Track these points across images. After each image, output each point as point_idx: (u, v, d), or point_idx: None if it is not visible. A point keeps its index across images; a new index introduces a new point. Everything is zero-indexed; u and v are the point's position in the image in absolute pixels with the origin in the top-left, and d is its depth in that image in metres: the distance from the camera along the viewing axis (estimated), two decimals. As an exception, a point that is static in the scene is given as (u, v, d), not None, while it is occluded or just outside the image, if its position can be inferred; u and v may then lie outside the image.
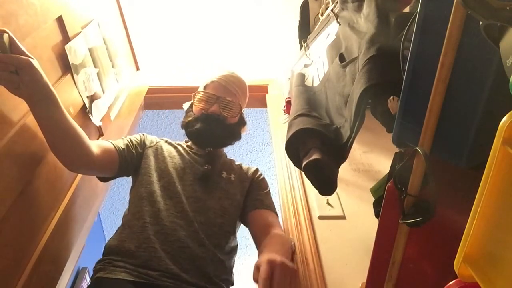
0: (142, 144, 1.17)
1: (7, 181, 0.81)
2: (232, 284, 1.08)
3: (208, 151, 1.18)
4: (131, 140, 1.14)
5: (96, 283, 0.93)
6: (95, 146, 0.99)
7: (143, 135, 1.21)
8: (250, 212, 1.13)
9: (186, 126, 1.20)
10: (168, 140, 1.23)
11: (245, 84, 1.26)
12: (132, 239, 0.98)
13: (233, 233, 1.11)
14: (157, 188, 1.06)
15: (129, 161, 1.09)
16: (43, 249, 0.94)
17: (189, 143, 1.24)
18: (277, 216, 1.14)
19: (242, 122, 1.26)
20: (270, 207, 1.14)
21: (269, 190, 1.21)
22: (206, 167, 1.13)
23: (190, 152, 1.19)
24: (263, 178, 1.24)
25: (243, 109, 1.25)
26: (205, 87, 1.22)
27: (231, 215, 1.10)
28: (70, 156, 0.94)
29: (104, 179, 1.12)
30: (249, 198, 1.16)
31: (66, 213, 1.06)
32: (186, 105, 1.29)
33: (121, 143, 1.10)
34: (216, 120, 1.16)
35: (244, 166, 1.25)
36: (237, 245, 1.15)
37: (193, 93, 1.22)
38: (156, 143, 1.19)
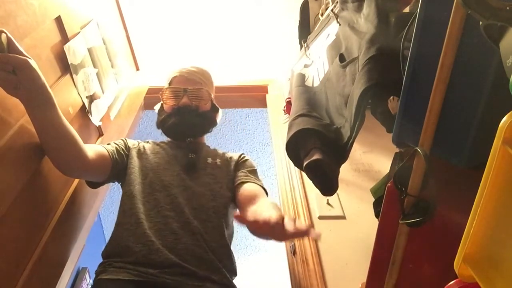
0: (127, 147, 1.18)
1: (7, 181, 0.81)
2: (235, 274, 1.08)
3: (189, 141, 1.19)
4: (117, 144, 1.15)
5: (97, 285, 0.94)
6: (88, 149, 0.99)
7: (125, 139, 1.21)
8: (237, 186, 1.12)
9: (161, 124, 1.21)
10: (150, 140, 1.24)
11: (207, 72, 1.28)
12: (128, 236, 0.98)
13: (227, 215, 1.10)
14: (145, 185, 1.07)
15: (120, 163, 1.10)
16: (43, 249, 0.94)
17: (170, 140, 1.24)
18: (265, 190, 1.11)
19: (215, 109, 1.28)
20: (255, 181, 1.13)
21: (256, 170, 1.20)
22: (190, 156, 1.14)
23: (173, 146, 1.20)
24: (248, 159, 1.24)
25: (212, 95, 1.26)
26: (170, 84, 1.23)
27: (222, 197, 1.10)
28: (65, 159, 0.93)
29: (93, 185, 1.11)
30: (235, 176, 1.16)
31: (66, 213, 1.06)
32: (157, 107, 1.30)
33: (109, 147, 1.11)
34: (189, 111, 1.17)
35: (229, 153, 1.26)
36: (233, 231, 1.15)
37: (160, 92, 1.23)
38: (138, 144, 1.21)
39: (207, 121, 1.23)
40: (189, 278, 0.94)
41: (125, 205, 1.05)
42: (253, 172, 1.18)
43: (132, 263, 0.94)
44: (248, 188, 1.09)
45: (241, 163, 1.21)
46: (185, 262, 0.95)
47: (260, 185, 1.12)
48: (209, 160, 1.18)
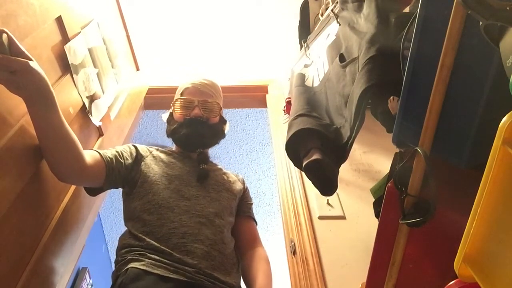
0: (136, 155, 1.15)
1: (7, 181, 0.81)
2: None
3: (199, 152, 1.20)
4: (121, 152, 1.11)
5: (134, 274, 0.90)
6: (86, 154, 0.97)
7: (134, 146, 1.19)
8: (241, 217, 1.20)
9: (172, 133, 1.22)
10: (159, 148, 1.25)
11: (218, 85, 1.30)
12: (161, 243, 0.97)
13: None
14: (172, 193, 1.06)
15: (117, 172, 1.06)
16: (43, 249, 0.94)
17: (178, 149, 1.25)
18: (256, 222, 1.25)
19: (223, 121, 1.30)
20: (254, 216, 1.24)
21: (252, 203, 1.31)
22: (202, 167, 1.16)
23: (183, 157, 1.21)
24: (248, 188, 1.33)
25: (222, 109, 1.28)
26: (181, 94, 1.24)
27: (233, 215, 1.16)
28: (63, 162, 0.92)
29: (92, 192, 1.09)
30: (242, 204, 1.22)
31: (66, 213, 1.06)
32: (165, 116, 1.30)
33: (108, 153, 1.07)
34: (200, 122, 1.18)
35: (229, 171, 1.30)
36: None
37: (172, 102, 1.24)
38: (151, 152, 1.20)
39: (217, 133, 1.24)
40: (218, 283, 0.96)
41: (149, 214, 1.03)
42: (251, 206, 1.27)
43: (169, 259, 0.94)
44: (250, 227, 1.20)
45: (247, 191, 1.29)
46: (216, 270, 0.97)
47: (254, 220, 1.24)
48: (225, 176, 1.22)
